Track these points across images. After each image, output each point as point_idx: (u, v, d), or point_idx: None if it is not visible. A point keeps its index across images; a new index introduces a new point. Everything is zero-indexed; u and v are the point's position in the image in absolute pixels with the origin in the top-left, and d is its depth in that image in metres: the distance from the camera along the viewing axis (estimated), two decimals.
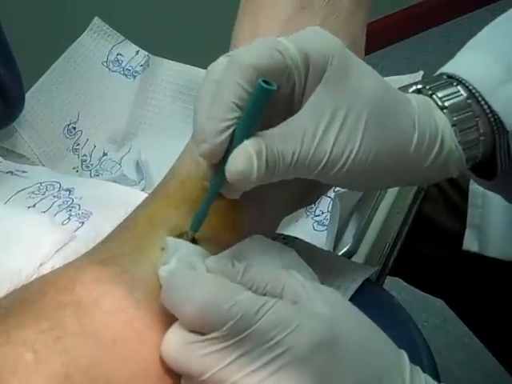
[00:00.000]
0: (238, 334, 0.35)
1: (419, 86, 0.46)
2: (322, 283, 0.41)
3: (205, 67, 0.42)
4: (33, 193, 0.61)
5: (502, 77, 0.44)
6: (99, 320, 0.37)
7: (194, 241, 0.41)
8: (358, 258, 0.66)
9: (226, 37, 0.54)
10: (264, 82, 0.37)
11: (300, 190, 0.48)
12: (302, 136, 0.39)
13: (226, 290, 0.36)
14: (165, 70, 0.80)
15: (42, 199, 0.60)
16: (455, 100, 0.44)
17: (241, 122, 0.38)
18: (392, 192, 0.70)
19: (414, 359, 0.39)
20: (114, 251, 0.41)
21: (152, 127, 0.79)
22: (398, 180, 0.45)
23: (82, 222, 0.56)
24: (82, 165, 0.77)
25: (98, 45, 0.80)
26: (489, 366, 1.20)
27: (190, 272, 0.38)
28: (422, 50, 2.08)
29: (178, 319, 0.37)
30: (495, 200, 0.68)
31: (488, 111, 0.44)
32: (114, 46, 0.80)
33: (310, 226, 0.69)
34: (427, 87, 0.45)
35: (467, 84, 0.44)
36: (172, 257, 0.39)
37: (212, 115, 0.39)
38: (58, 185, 0.62)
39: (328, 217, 0.68)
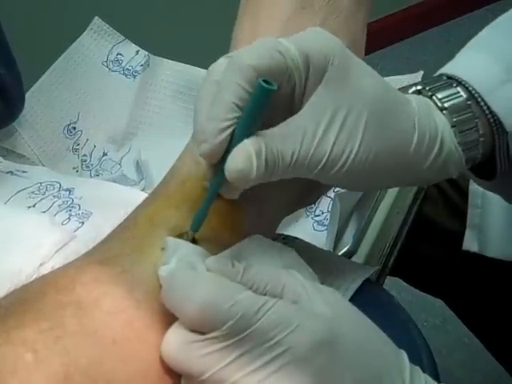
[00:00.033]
0: (238, 334, 0.35)
1: (419, 87, 0.46)
2: (322, 283, 0.41)
3: (205, 67, 0.42)
4: (33, 193, 0.61)
5: (502, 77, 0.44)
6: (99, 320, 0.37)
7: (194, 241, 0.41)
8: (358, 257, 0.66)
9: (226, 37, 0.54)
10: (264, 81, 0.37)
11: (300, 189, 0.48)
12: (301, 136, 0.39)
13: (226, 290, 0.36)
14: (165, 69, 0.80)
15: (42, 199, 0.60)
16: (455, 101, 0.44)
17: (240, 121, 0.38)
18: (392, 192, 0.70)
19: (414, 359, 0.39)
20: (114, 251, 0.41)
21: (152, 127, 0.79)
22: (398, 180, 0.45)
23: (82, 222, 0.56)
24: (81, 165, 0.77)
25: (98, 45, 0.80)
26: (489, 366, 1.20)
27: (190, 272, 0.38)
28: (422, 50, 2.08)
29: (178, 319, 0.37)
30: (495, 200, 0.68)
31: (487, 112, 0.44)
32: (114, 45, 0.80)
33: (310, 226, 0.69)
34: (427, 88, 0.45)
35: (467, 85, 0.44)
36: (172, 257, 0.39)
37: (212, 115, 0.39)
38: (58, 185, 0.62)
39: (328, 217, 0.68)
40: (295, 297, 0.38)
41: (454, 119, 0.44)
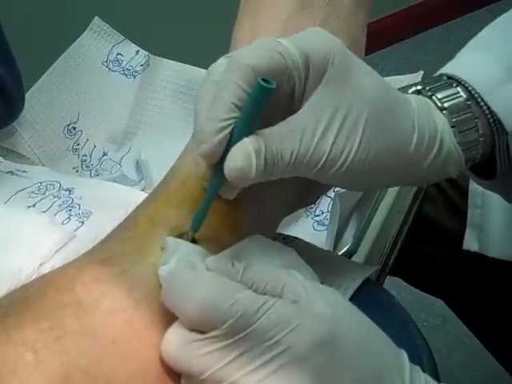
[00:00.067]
0: (237, 333, 0.35)
1: (419, 87, 0.46)
2: (322, 283, 0.41)
3: (205, 67, 0.42)
4: (33, 192, 0.61)
5: (501, 77, 0.44)
6: (99, 320, 0.37)
7: (194, 241, 0.41)
8: (358, 257, 0.66)
9: (226, 37, 0.54)
10: (263, 80, 0.37)
11: (300, 189, 0.48)
12: (301, 135, 0.39)
13: (225, 289, 0.36)
14: (165, 69, 0.80)
15: (41, 199, 0.60)
16: (455, 101, 0.44)
17: (240, 121, 0.38)
18: (392, 192, 0.70)
19: (414, 359, 0.39)
20: (114, 251, 0.41)
21: (152, 127, 0.79)
22: (397, 180, 0.45)
23: (82, 222, 0.56)
24: (81, 165, 0.77)
25: (98, 45, 0.80)
26: (489, 366, 1.20)
27: (190, 271, 0.38)
28: (422, 50, 2.08)
29: (177, 319, 0.37)
30: (495, 200, 0.68)
31: (487, 112, 0.44)
32: (114, 45, 0.81)
33: (310, 226, 0.69)
34: (427, 88, 0.45)
35: (467, 85, 0.44)
36: (172, 256, 0.39)
37: (211, 115, 0.39)
38: (58, 184, 0.62)
39: (328, 217, 0.68)
40: (295, 296, 0.38)
41: (454, 119, 0.44)
